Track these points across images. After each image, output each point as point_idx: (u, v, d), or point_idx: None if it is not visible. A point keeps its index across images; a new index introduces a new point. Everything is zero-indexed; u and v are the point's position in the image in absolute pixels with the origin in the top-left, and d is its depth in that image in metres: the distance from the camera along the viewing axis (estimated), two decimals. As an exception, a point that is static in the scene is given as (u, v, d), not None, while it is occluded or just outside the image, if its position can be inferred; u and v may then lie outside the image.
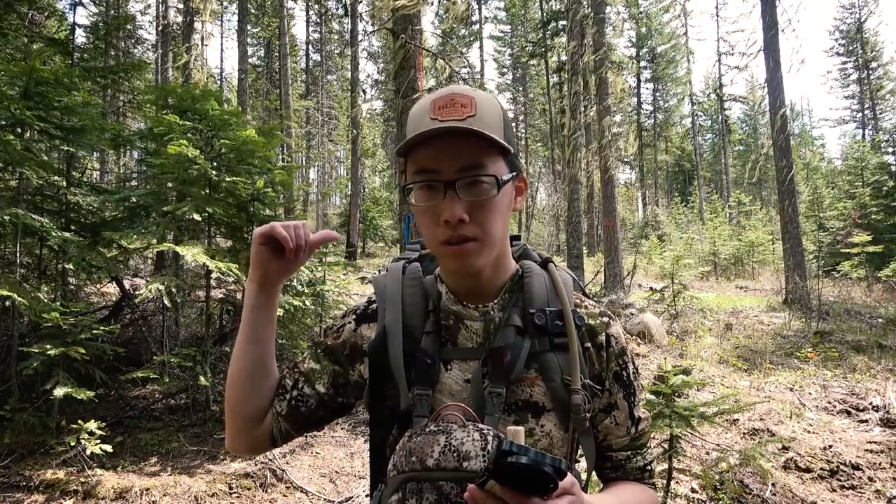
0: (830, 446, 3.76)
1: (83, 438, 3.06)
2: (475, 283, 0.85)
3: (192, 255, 3.63)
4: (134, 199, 4.32)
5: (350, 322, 0.91)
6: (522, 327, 0.83)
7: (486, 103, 0.78)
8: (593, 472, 0.89)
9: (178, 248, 3.70)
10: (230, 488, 3.21)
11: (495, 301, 0.86)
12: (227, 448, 0.89)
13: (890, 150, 16.50)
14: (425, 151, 0.77)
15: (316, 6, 25.86)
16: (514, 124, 19.53)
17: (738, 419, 4.28)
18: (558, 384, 0.80)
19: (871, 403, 4.69)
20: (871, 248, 11.44)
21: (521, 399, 0.81)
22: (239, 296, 4.77)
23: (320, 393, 0.89)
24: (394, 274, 0.91)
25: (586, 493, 0.87)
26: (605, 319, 0.89)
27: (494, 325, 0.84)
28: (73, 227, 4.16)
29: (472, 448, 0.66)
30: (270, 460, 3.55)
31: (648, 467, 0.91)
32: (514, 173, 0.81)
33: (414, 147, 0.77)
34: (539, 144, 33.13)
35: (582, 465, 0.91)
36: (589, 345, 0.86)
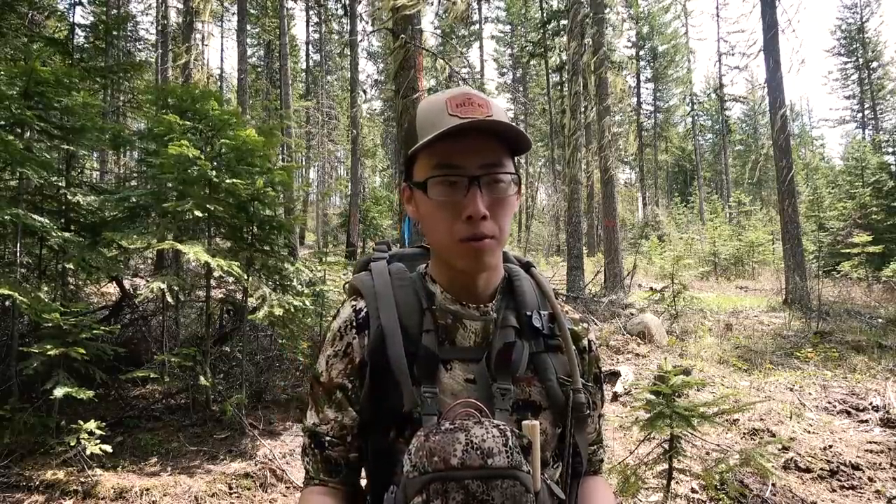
0: (830, 446, 3.76)
1: (83, 438, 3.06)
2: (473, 283, 0.84)
3: (194, 253, 3.63)
4: (134, 199, 4.31)
5: (353, 338, 0.86)
6: (519, 328, 0.84)
7: (498, 106, 0.81)
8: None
9: (179, 246, 3.69)
10: (230, 488, 3.21)
11: (492, 302, 0.86)
12: None
13: (890, 150, 16.50)
14: (447, 146, 0.76)
15: (316, 6, 25.85)
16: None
17: (738, 419, 4.28)
18: (554, 384, 0.82)
19: (871, 403, 4.68)
20: (871, 249, 11.45)
21: (520, 399, 0.81)
22: (238, 296, 4.77)
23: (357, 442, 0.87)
24: (381, 274, 0.88)
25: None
26: (585, 325, 0.95)
27: (493, 326, 0.84)
28: (73, 227, 4.16)
29: (495, 444, 0.66)
30: (270, 460, 3.55)
31: (604, 459, 1.01)
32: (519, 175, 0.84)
33: (433, 142, 0.76)
34: (539, 144, 33.11)
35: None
36: (573, 348, 0.88)
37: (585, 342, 0.92)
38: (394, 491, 0.73)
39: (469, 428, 0.68)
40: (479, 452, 0.65)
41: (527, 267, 0.94)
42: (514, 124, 0.77)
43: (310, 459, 0.86)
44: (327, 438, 0.85)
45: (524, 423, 0.70)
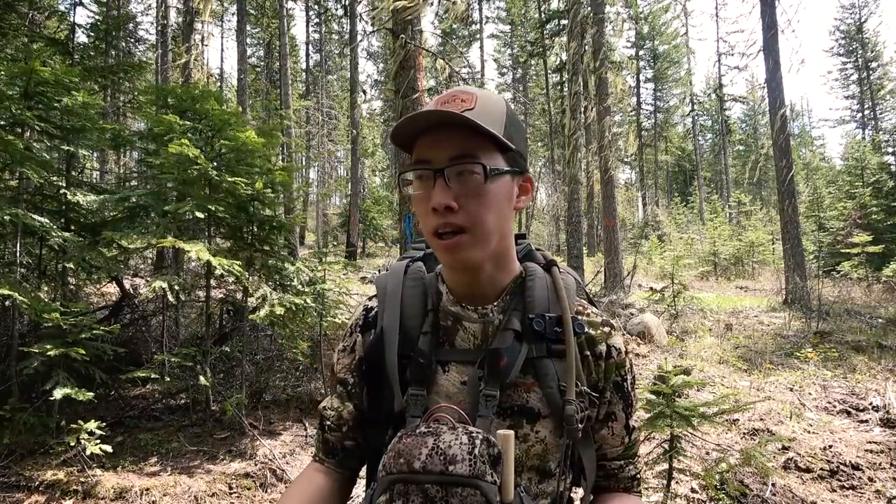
0: (830, 446, 3.76)
1: (83, 438, 3.06)
2: (475, 281, 0.83)
3: (196, 251, 3.63)
4: (134, 199, 4.31)
5: (358, 336, 0.92)
6: (520, 332, 0.82)
7: (488, 101, 0.78)
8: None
9: (181, 244, 3.69)
10: (230, 488, 3.21)
11: (495, 304, 0.85)
12: None
13: (890, 150, 16.49)
14: (423, 142, 0.78)
15: (316, 6, 25.85)
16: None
17: (738, 419, 4.28)
18: (554, 391, 0.79)
19: (871, 403, 4.69)
20: (871, 249, 11.46)
21: (516, 404, 0.80)
22: (239, 295, 4.77)
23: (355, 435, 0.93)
24: (396, 273, 0.90)
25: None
26: (607, 329, 0.88)
27: (493, 328, 0.83)
28: (73, 227, 4.16)
29: (459, 452, 0.65)
30: (270, 460, 3.55)
31: (638, 476, 0.93)
32: (515, 169, 0.80)
33: (416, 140, 0.79)
34: (539, 144, 33.12)
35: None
36: (588, 353, 0.85)
37: (603, 347, 0.86)
38: (373, 487, 0.74)
39: (441, 433, 0.67)
40: (441, 458, 0.65)
41: (548, 266, 0.90)
42: (470, 117, 0.73)
43: (316, 438, 0.96)
44: (328, 423, 0.92)
45: (499, 432, 0.69)
